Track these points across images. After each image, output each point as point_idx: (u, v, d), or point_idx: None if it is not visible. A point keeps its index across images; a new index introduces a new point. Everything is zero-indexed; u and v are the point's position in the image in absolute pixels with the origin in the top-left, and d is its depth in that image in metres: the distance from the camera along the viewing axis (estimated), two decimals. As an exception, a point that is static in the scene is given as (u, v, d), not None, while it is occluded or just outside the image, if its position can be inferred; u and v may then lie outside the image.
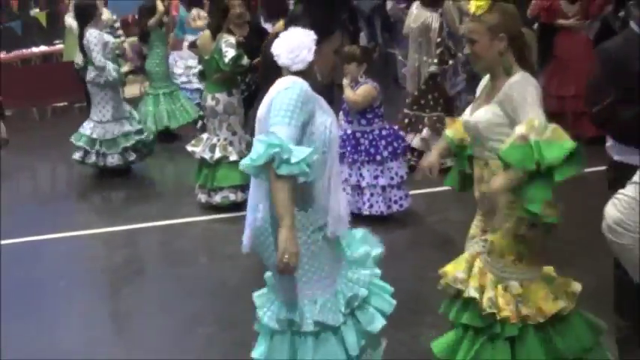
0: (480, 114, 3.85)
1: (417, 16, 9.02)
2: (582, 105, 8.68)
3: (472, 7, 3.84)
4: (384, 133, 7.40)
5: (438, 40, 8.55)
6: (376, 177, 7.27)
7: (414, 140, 8.80)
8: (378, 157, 7.28)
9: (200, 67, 8.66)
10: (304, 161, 3.22)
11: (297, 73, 3.55)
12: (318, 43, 3.58)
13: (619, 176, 4.17)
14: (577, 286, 3.86)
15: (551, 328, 3.75)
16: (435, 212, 7.63)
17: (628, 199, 2.81)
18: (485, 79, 4.07)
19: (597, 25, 9.52)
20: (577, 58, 9.19)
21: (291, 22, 3.72)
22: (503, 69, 3.83)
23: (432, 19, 8.82)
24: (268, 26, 9.25)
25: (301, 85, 3.47)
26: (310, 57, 3.52)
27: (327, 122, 3.57)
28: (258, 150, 3.21)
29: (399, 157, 7.48)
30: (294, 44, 3.53)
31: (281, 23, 8.26)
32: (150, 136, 10.03)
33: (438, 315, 4.17)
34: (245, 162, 3.30)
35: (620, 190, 2.89)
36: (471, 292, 3.81)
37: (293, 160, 3.19)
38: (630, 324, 4.51)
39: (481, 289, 3.80)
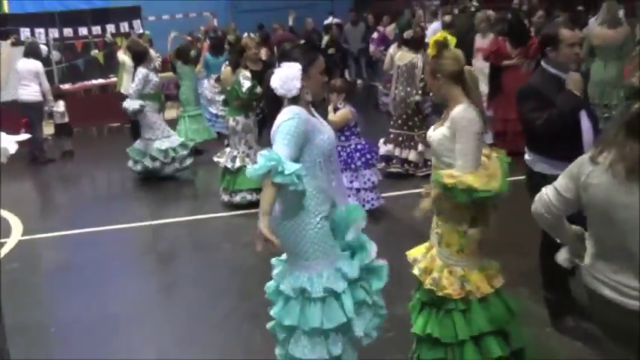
0: (434, 134, 3.88)
1: (402, 56, 9.13)
2: (520, 126, 8.91)
3: (428, 51, 3.99)
4: (359, 147, 7.46)
5: (422, 75, 8.43)
6: (351, 181, 7.30)
7: (411, 154, 8.85)
8: (353, 166, 7.36)
9: (223, 96, 8.80)
10: (294, 174, 3.31)
11: (294, 99, 3.60)
12: (306, 69, 3.62)
13: (534, 180, 4.47)
14: (500, 278, 3.89)
15: (486, 304, 3.79)
16: (403, 210, 7.39)
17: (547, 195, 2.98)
18: None
19: (534, 63, 9.62)
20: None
21: (282, 57, 3.77)
22: (451, 100, 3.83)
23: (417, 59, 8.87)
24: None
25: (299, 115, 3.51)
26: (299, 85, 3.56)
27: (325, 137, 3.65)
28: (260, 162, 3.31)
29: (371, 167, 7.51)
30: (284, 77, 3.57)
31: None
32: (186, 150, 10.04)
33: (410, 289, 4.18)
34: (250, 171, 3.39)
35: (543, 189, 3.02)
36: (416, 271, 3.93)
37: (286, 172, 3.30)
38: (555, 297, 4.66)
39: (427, 271, 3.86)
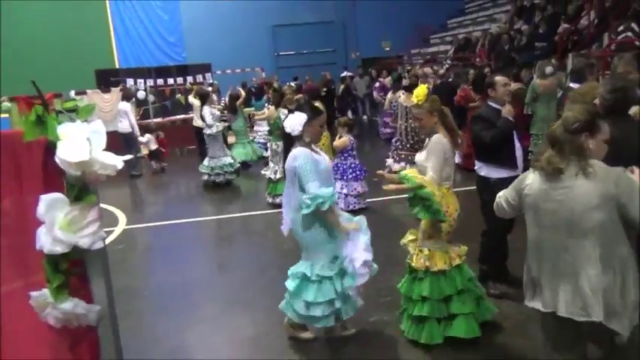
0: (418, 157, 4.03)
1: (406, 99, 8.77)
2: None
3: (414, 98, 4.00)
4: (352, 165, 7.53)
5: None
6: (342, 188, 7.40)
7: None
8: (346, 177, 7.48)
9: (269, 127, 8.81)
10: (331, 198, 3.54)
11: (298, 138, 3.73)
12: (310, 120, 3.72)
13: (480, 182, 4.60)
14: (463, 251, 3.97)
15: (443, 276, 3.83)
16: (385, 211, 7.49)
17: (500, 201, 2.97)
18: None
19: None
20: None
21: (297, 108, 3.94)
22: (434, 132, 3.94)
23: None
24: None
25: (305, 154, 3.63)
26: (300, 128, 3.69)
27: (322, 166, 3.71)
28: (307, 203, 3.52)
29: (359, 180, 7.53)
30: (292, 121, 3.73)
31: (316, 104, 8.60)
32: (237, 166, 10.18)
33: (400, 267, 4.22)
34: (303, 212, 3.56)
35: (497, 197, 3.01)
36: (410, 249, 4.01)
37: (326, 203, 3.51)
38: (485, 267, 4.71)
39: (411, 248, 3.98)
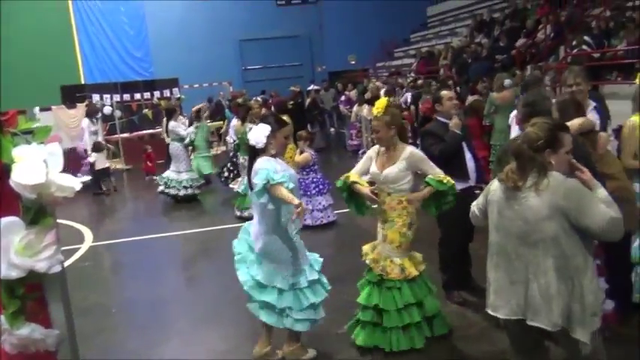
0: (389, 170, 3.90)
1: (370, 111, 8.53)
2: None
3: (374, 111, 3.98)
4: (314, 180, 7.46)
5: None
6: (307, 204, 7.12)
7: None
8: (309, 193, 7.37)
9: (237, 141, 8.80)
10: (283, 176, 3.41)
11: (264, 150, 3.62)
12: (274, 131, 3.64)
13: None
14: (422, 265, 4.02)
15: (412, 283, 3.91)
16: (352, 222, 7.15)
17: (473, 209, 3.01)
18: (373, 151, 4.11)
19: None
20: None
21: (262, 119, 3.89)
22: (393, 144, 3.93)
23: None
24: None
25: (267, 163, 3.52)
26: (264, 140, 3.59)
27: (287, 174, 3.57)
28: (260, 177, 3.39)
29: (322, 194, 7.44)
30: (256, 133, 3.63)
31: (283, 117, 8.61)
32: (200, 180, 10.08)
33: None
34: (257, 189, 3.42)
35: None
36: (367, 261, 4.01)
37: (276, 177, 3.38)
38: (447, 276, 4.74)
39: (375, 261, 3.94)
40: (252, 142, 3.65)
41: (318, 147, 14.67)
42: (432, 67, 15.87)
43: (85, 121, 11.09)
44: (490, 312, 2.79)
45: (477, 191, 4.52)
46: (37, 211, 1.28)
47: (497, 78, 8.19)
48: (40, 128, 1.32)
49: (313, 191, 7.46)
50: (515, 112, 5.22)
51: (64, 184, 1.28)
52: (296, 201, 3.35)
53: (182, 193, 9.72)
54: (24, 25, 17.85)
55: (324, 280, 3.83)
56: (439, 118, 4.69)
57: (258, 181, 3.42)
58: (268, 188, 3.42)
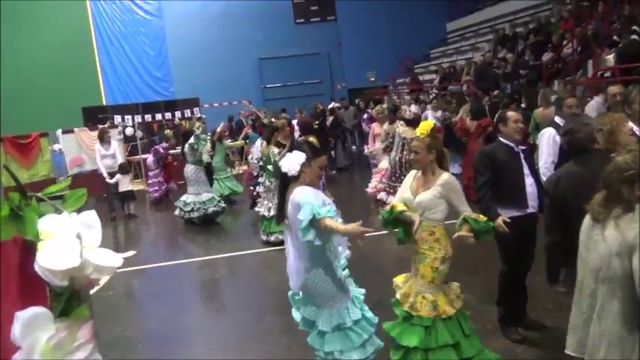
0: (424, 196, 3.67)
1: (405, 131, 8.40)
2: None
3: (417, 131, 3.76)
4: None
5: None
6: None
7: None
8: None
9: (261, 162, 8.51)
10: (329, 210, 3.10)
11: (297, 177, 3.37)
12: (309, 160, 3.38)
13: None
14: (459, 300, 3.71)
15: (447, 322, 3.61)
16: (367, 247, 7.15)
17: None
18: (410, 176, 3.89)
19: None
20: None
21: (293, 147, 3.58)
22: (430, 169, 3.71)
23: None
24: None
25: (309, 195, 3.23)
26: (298, 168, 3.34)
27: (333, 207, 3.25)
28: (305, 214, 3.07)
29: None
30: (290, 161, 3.38)
31: (310, 139, 8.24)
32: (221, 203, 9.86)
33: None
34: (303, 225, 3.09)
35: None
36: (397, 295, 3.74)
37: (322, 211, 3.06)
38: (505, 310, 4.42)
39: (406, 295, 3.68)
40: (284, 169, 3.38)
41: (341, 166, 14.44)
42: (453, 83, 15.56)
43: (97, 146, 10.83)
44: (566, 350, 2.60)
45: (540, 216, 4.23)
46: (69, 298, 0.99)
47: (543, 94, 7.81)
48: (72, 193, 1.03)
49: None
50: (548, 131, 4.82)
51: (103, 264, 1.00)
52: (352, 228, 3.01)
53: (210, 210, 9.59)
54: (45, 47, 17.98)
55: (369, 314, 3.49)
56: (502, 139, 4.32)
57: (302, 217, 3.10)
58: (315, 224, 3.10)
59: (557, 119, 4.88)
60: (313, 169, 3.42)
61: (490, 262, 5.38)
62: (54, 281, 0.94)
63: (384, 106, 11.16)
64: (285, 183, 3.46)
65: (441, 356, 3.56)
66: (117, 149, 10.88)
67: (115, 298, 6.43)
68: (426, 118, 11.28)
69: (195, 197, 9.58)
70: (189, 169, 9.69)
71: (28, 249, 0.95)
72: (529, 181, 4.23)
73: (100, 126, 13.03)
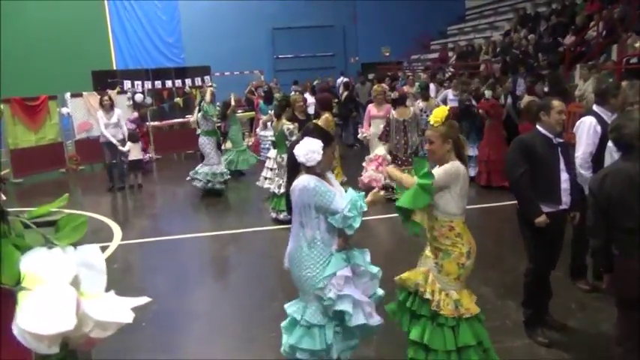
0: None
1: (401, 112, 8.22)
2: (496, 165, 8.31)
3: (431, 119, 3.43)
4: None
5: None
6: None
7: None
8: None
9: (273, 138, 8.30)
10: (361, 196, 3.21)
11: (309, 168, 3.18)
12: (323, 148, 3.19)
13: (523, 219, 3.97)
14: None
15: (472, 321, 3.39)
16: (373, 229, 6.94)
17: None
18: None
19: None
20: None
21: (305, 133, 3.31)
22: (446, 160, 3.38)
23: (416, 109, 8.49)
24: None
25: (315, 183, 3.13)
26: (319, 158, 3.15)
27: (338, 192, 3.22)
28: (349, 216, 3.09)
29: None
30: (309, 149, 3.15)
31: (325, 116, 7.97)
32: (227, 177, 9.73)
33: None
34: (357, 227, 3.12)
35: None
36: (427, 295, 3.38)
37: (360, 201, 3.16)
38: (531, 311, 4.17)
39: (432, 294, 3.39)
40: (301, 158, 3.15)
41: (349, 143, 14.03)
42: (471, 62, 15.08)
43: (99, 113, 10.37)
44: None
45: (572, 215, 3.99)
46: (62, 358, 0.71)
47: (601, 77, 7.31)
48: (69, 219, 0.74)
49: None
50: (588, 120, 4.50)
51: (107, 319, 0.72)
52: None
53: (217, 186, 9.49)
54: (56, 11, 17.55)
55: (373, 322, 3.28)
56: (541, 129, 3.99)
57: (350, 213, 3.10)
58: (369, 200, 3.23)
59: (596, 108, 4.54)
60: (327, 155, 3.25)
61: (506, 254, 5.17)
62: (39, 349, 0.66)
63: (385, 86, 10.60)
64: (295, 170, 3.30)
65: (464, 356, 3.36)
66: (121, 118, 10.45)
67: (120, 272, 6.18)
68: (445, 99, 10.86)
69: (210, 168, 9.46)
70: (200, 141, 9.58)
71: (5, 297, 0.66)
72: (564, 176, 3.94)
73: (109, 91, 12.72)
